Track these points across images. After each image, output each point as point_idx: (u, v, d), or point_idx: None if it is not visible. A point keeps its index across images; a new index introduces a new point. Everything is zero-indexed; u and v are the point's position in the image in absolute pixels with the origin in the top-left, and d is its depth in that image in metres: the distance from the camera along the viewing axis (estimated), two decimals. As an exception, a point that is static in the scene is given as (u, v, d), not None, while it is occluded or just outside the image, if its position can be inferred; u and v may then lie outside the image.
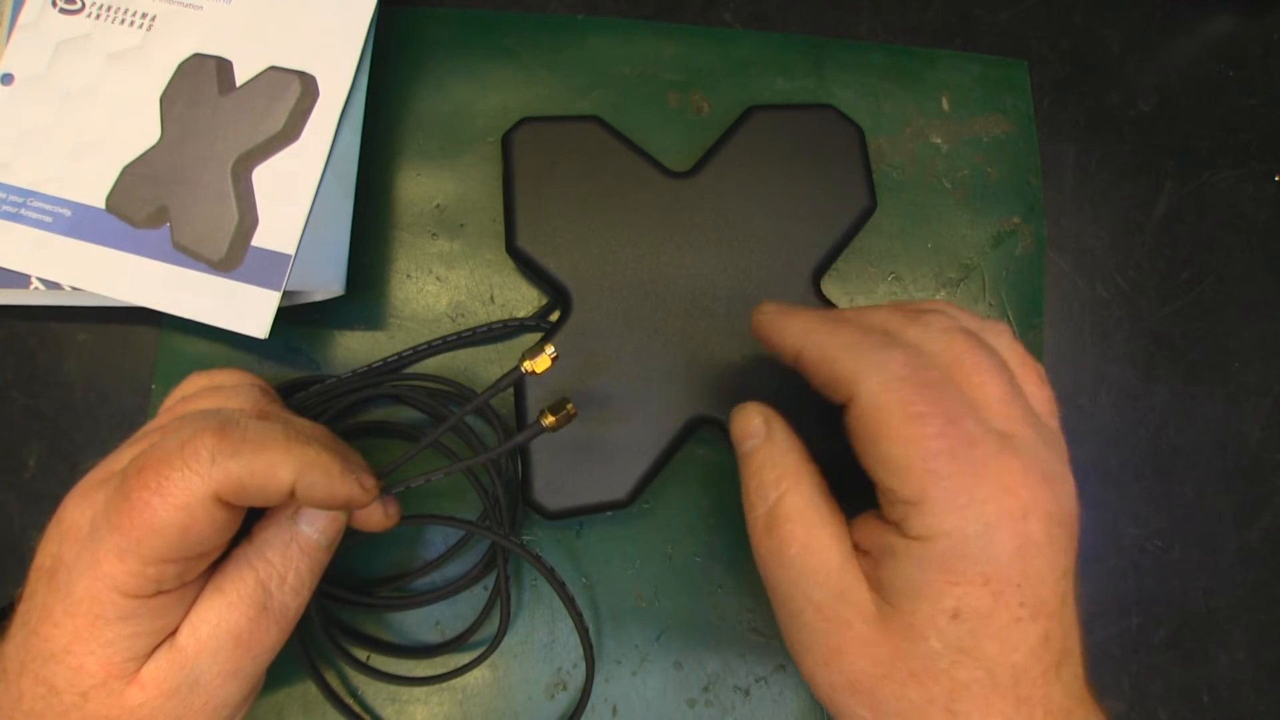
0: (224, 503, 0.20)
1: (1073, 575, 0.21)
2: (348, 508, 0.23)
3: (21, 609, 0.21)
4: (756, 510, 0.24)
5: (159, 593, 0.20)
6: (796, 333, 0.24)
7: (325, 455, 0.22)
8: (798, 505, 0.23)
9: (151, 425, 0.24)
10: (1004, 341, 0.24)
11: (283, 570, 0.23)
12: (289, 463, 0.21)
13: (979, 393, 0.21)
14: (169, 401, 0.26)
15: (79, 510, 0.21)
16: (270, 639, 0.23)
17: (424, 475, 0.25)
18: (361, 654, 0.30)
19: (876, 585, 0.21)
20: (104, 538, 0.20)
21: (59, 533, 0.21)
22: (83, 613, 0.20)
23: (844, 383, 0.21)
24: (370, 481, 0.23)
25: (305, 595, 0.24)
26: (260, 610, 0.22)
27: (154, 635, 0.21)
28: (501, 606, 0.30)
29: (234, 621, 0.22)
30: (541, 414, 0.25)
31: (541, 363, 0.25)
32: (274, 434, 0.21)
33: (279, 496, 0.21)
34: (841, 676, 0.21)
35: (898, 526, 0.21)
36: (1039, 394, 0.23)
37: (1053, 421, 0.23)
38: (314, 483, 0.21)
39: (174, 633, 0.21)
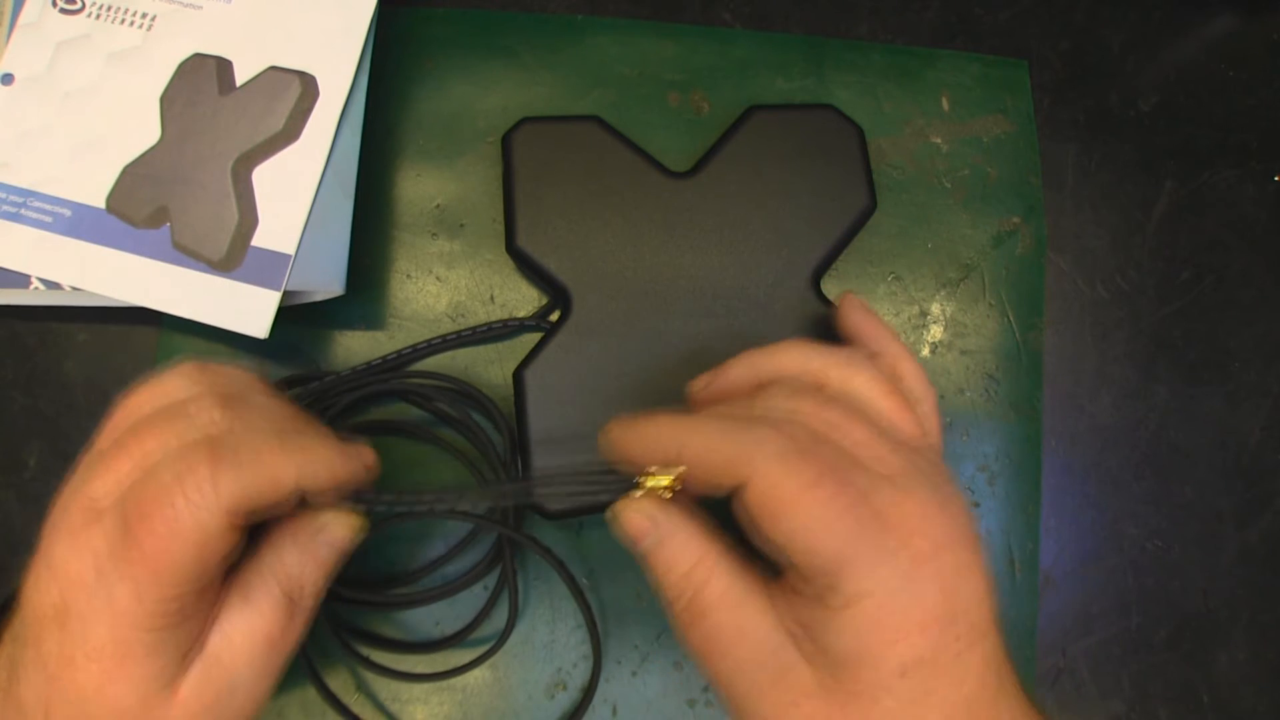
0: (235, 523, 0.20)
1: (991, 584, 0.21)
2: (350, 484, 0.23)
3: (30, 654, 0.21)
4: (676, 606, 0.22)
5: (180, 613, 0.21)
6: (669, 435, 0.22)
7: (319, 442, 0.22)
8: (718, 592, 0.21)
9: (110, 444, 0.22)
10: (861, 378, 0.23)
11: (301, 578, 0.23)
12: (289, 465, 0.21)
13: (847, 444, 0.21)
14: (119, 419, 0.24)
15: (75, 556, 0.20)
16: (297, 636, 0.23)
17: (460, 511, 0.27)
18: (362, 651, 0.30)
19: (810, 658, 0.20)
20: (116, 583, 0.20)
21: (54, 578, 0.21)
22: (109, 656, 0.20)
23: (735, 466, 0.20)
24: (370, 455, 0.24)
25: (323, 594, 0.24)
26: (289, 616, 0.23)
27: (183, 654, 0.21)
28: (510, 598, 0.30)
29: (266, 630, 0.22)
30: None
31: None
32: (266, 439, 0.21)
33: (287, 501, 0.21)
34: None
35: (819, 600, 0.20)
36: (900, 418, 0.23)
37: (924, 441, 0.23)
38: (317, 473, 0.21)
39: (203, 644, 0.22)
